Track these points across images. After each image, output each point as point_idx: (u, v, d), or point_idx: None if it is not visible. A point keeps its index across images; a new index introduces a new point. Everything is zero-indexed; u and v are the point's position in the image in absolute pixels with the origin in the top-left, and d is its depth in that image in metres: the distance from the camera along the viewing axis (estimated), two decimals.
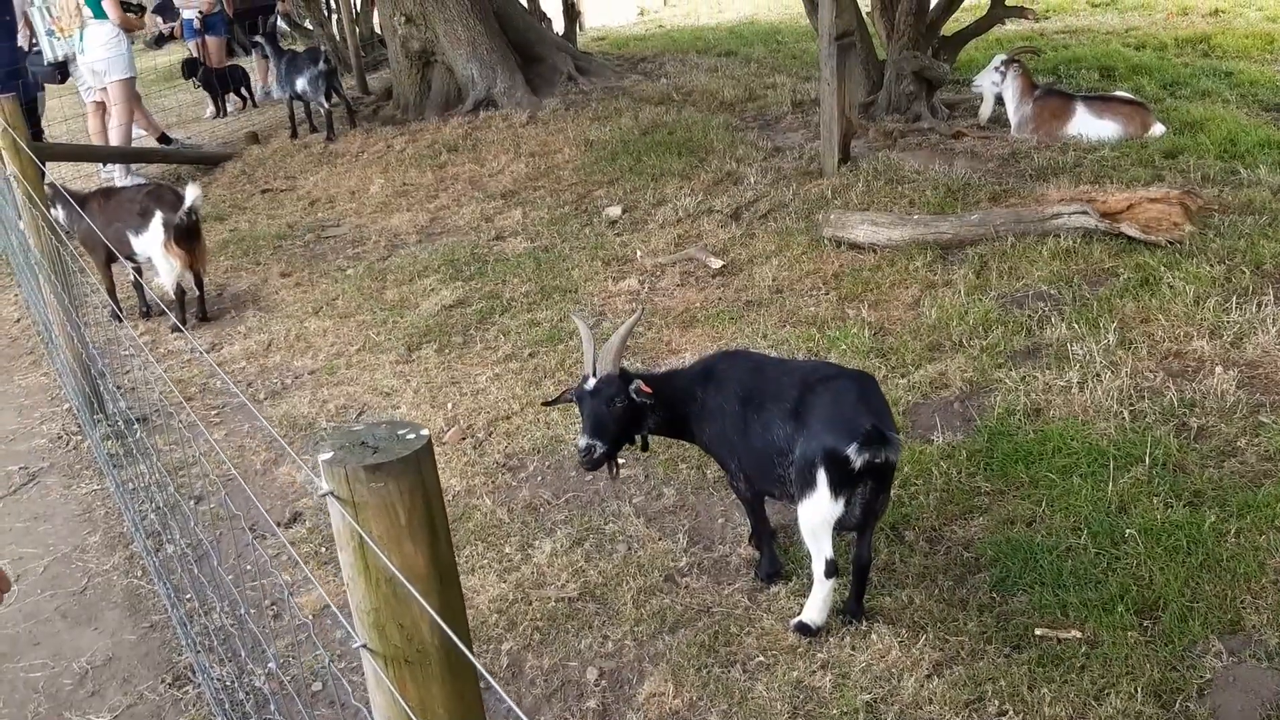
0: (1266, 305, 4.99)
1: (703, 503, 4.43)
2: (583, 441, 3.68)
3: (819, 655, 3.46)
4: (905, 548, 3.94)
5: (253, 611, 3.95)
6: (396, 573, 1.29)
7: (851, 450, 3.24)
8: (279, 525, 4.77)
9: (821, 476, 3.31)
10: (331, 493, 1.33)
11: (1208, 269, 5.42)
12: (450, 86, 11.97)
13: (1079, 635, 3.36)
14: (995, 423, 4.54)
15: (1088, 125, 7.96)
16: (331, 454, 1.35)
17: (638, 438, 3.87)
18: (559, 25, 14.77)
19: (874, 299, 5.89)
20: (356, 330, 6.70)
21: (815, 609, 3.54)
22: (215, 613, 3.96)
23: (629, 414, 3.68)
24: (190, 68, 14.72)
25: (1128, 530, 3.74)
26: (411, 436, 1.35)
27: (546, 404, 4.32)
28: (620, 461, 4.06)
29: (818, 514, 3.36)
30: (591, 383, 3.67)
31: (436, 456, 4.99)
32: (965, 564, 3.81)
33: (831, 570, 3.45)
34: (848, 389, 3.47)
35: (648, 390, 3.64)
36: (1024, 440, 4.38)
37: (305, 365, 6.36)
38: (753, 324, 5.86)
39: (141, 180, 10.88)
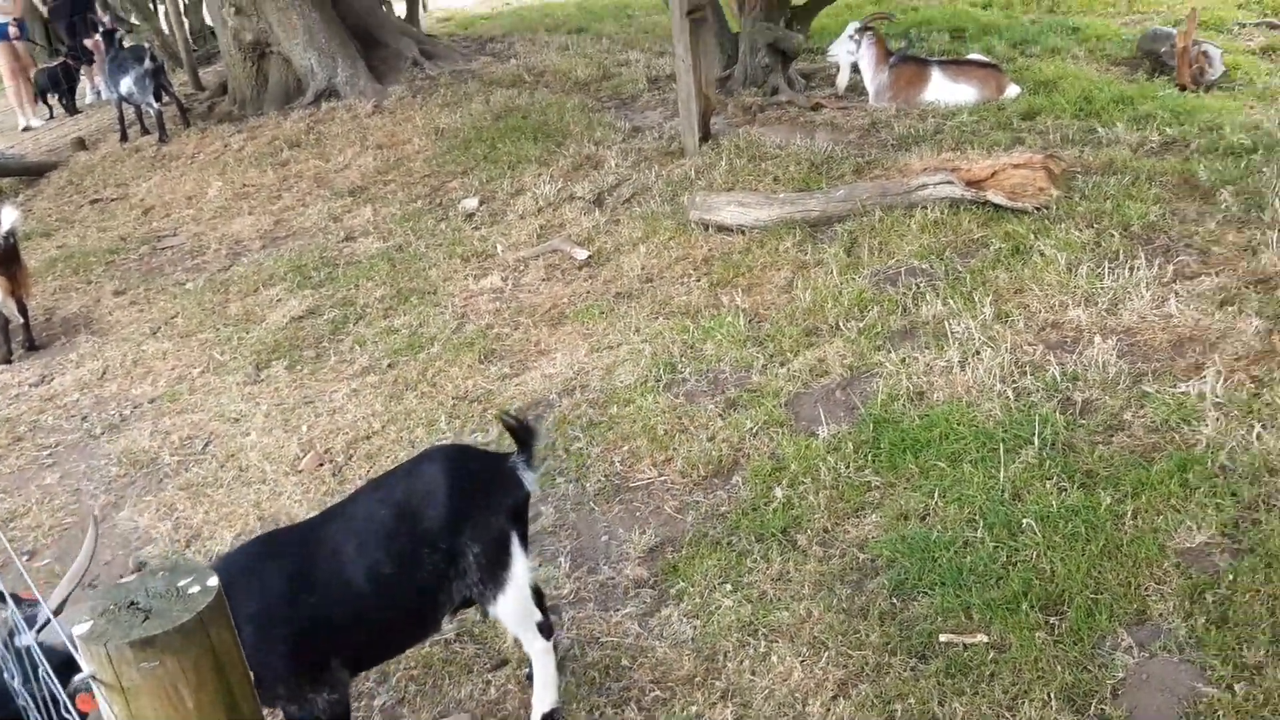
0: (1138, 268, 4.93)
1: (584, 520, 4.16)
2: None
3: (717, 684, 3.24)
4: (799, 554, 3.73)
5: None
6: None
7: (530, 481, 3.01)
8: (122, 579, 4.35)
9: (514, 543, 2.96)
10: (94, 676, 1.01)
11: (1077, 234, 5.35)
12: (289, 78, 11.39)
13: (985, 640, 3.20)
14: (879, 410, 4.38)
15: (944, 90, 7.89)
16: (90, 624, 1.03)
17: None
18: (401, 9, 14.21)
19: (746, 283, 5.68)
20: (199, 350, 6.22)
21: (552, 686, 3.13)
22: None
23: None
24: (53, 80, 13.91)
25: (1024, 519, 3.60)
26: (196, 590, 1.04)
27: None
28: None
29: (522, 586, 2.97)
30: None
31: (293, 486, 4.65)
32: (862, 567, 3.63)
33: (549, 630, 3.13)
34: (454, 453, 3.09)
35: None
36: (910, 427, 4.22)
37: (145, 393, 5.88)
38: (624, 317, 5.60)
39: None
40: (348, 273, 6.90)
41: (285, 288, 6.81)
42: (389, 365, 5.63)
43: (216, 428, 5.34)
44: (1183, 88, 7.59)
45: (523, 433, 3.01)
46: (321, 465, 4.85)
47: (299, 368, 5.78)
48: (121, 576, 4.35)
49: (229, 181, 9.26)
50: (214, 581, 1.05)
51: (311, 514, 4.42)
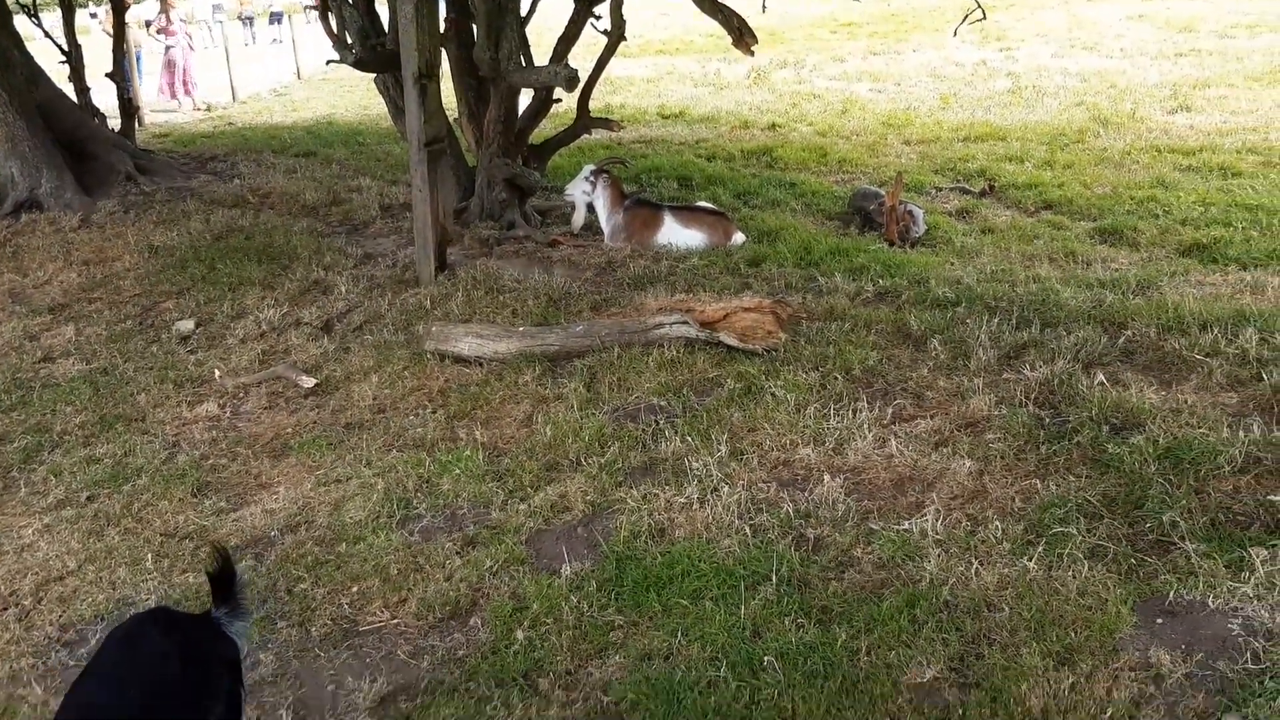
0: (861, 411, 5.17)
1: (308, 668, 3.84)
2: None
3: None
4: (540, 699, 3.57)
5: None
6: None
7: (241, 633, 2.78)
8: None
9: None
10: None
11: (804, 376, 5.58)
12: None
13: None
14: (622, 547, 4.32)
15: (676, 234, 8.19)
16: None
17: None
18: (115, 121, 13.49)
19: (485, 416, 5.57)
20: None
21: None
22: None
23: None
24: None
25: (765, 657, 3.60)
26: None
27: None
28: None
29: None
30: None
31: None
32: (606, 712, 3.51)
33: None
34: (164, 619, 2.75)
35: None
36: (652, 565, 4.18)
37: None
38: (354, 449, 5.34)
39: None
40: (44, 396, 6.29)
41: None
42: (88, 498, 5.11)
43: None
44: (891, 243, 8.19)
45: (223, 577, 2.68)
46: (4, 610, 4.29)
47: None
48: None
49: None
50: None
51: (15, 660, 3.91)
